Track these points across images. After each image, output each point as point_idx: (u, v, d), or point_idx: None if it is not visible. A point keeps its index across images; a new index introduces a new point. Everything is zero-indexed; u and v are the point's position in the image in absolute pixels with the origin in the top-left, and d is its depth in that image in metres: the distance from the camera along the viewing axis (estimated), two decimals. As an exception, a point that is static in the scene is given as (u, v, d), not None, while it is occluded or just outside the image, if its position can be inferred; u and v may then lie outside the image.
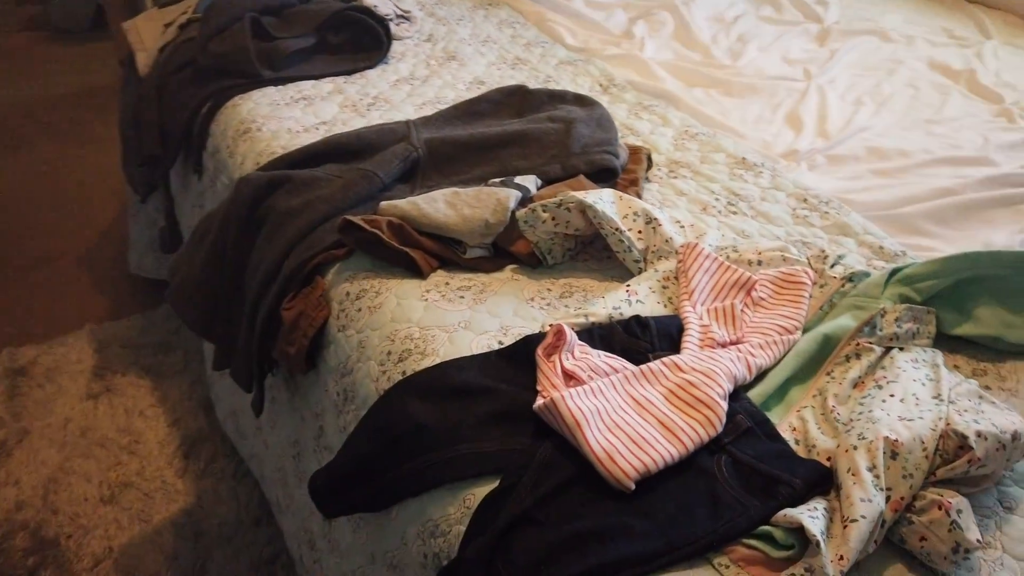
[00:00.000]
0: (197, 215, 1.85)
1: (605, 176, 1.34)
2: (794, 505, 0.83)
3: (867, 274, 1.13)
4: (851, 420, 0.90)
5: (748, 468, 0.87)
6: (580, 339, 1.02)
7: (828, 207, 1.38)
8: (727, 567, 0.80)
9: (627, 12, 2.22)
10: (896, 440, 0.82)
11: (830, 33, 2.10)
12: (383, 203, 1.21)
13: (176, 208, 2.11)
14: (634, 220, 1.21)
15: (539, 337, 1.01)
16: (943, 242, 1.34)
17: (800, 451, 0.91)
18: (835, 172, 1.53)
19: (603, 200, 1.21)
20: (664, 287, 1.13)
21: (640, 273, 1.19)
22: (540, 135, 1.36)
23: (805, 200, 1.40)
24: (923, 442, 0.83)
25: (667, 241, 1.19)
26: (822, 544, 0.73)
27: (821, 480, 0.85)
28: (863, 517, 0.76)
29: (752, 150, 1.55)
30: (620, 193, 1.25)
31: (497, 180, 1.26)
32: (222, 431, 1.95)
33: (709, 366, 0.95)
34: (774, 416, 0.97)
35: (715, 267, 1.13)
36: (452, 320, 1.11)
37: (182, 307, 1.35)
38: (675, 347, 1.03)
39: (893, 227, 1.36)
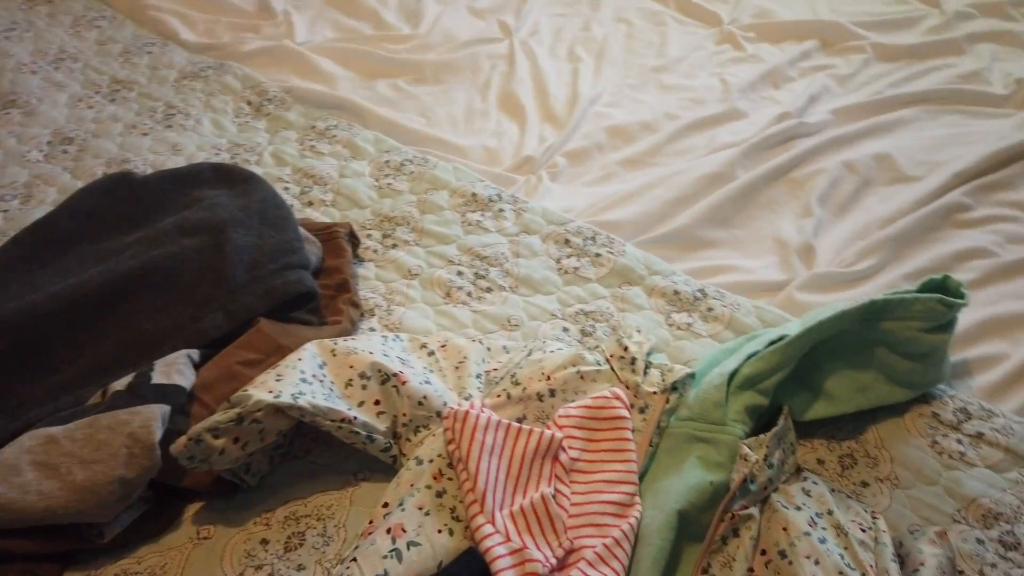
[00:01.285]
0: None
1: (298, 302, 0.89)
2: None
3: (692, 375, 0.83)
4: None
5: None
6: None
7: (596, 245, 1.05)
8: None
9: (256, -29, 1.65)
10: None
11: (510, -40, 1.72)
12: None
13: None
14: (363, 386, 0.79)
15: None
16: (733, 249, 1.09)
17: None
18: (581, 175, 1.21)
19: (307, 377, 0.77)
20: (439, 495, 0.74)
21: (394, 465, 0.79)
22: (176, 266, 0.86)
23: (567, 242, 1.06)
24: None
25: (420, 403, 0.79)
26: None
27: None
28: None
29: (478, 175, 1.17)
30: (329, 344, 0.81)
31: (121, 385, 0.76)
32: None
33: None
34: None
35: (500, 439, 0.76)
36: None
37: None
38: (487, 612, 0.66)
39: (674, 248, 1.08)
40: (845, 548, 0.69)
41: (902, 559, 0.69)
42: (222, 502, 0.77)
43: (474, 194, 1.12)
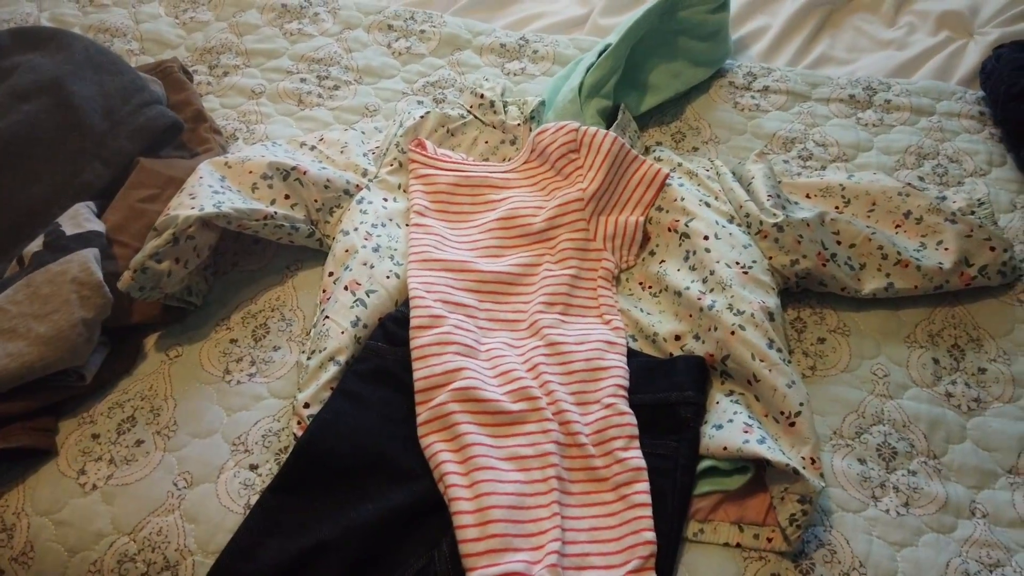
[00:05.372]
0: None
1: (163, 140, 0.90)
2: (701, 418, 0.73)
3: (542, 102, 0.96)
4: (681, 285, 0.79)
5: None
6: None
7: (417, 23, 1.12)
8: (702, 531, 0.70)
9: None
10: (763, 304, 0.75)
11: None
12: None
13: None
14: (269, 186, 0.84)
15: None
16: (534, 0, 1.20)
17: (645, 346, 0.80)
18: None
19: (217, 189, 0.81)
20: (375, 250, 0.83)
21: (321, 247, 0.87)
22: (28, 131, 0.83)
23: (390, 27, 1.11)
24: (771, 285, 0.78)
25: (326, 186, 0.86)
26: (800, 469, 0.65)
27: (702, 374, 0.76)
28: (802, 405, 0.70)
29: (279, -15, 1.16)
30: (221, 159, 0.85)
31: (37, 247, 0.76)
32: None
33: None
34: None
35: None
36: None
37: None
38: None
39: (484, 10, 1.18)
40: (698, 185, 0.88)
41: (738, 180, 0.89)
42: (177, 327, 0.82)
43: (283, 4, 1.13)
